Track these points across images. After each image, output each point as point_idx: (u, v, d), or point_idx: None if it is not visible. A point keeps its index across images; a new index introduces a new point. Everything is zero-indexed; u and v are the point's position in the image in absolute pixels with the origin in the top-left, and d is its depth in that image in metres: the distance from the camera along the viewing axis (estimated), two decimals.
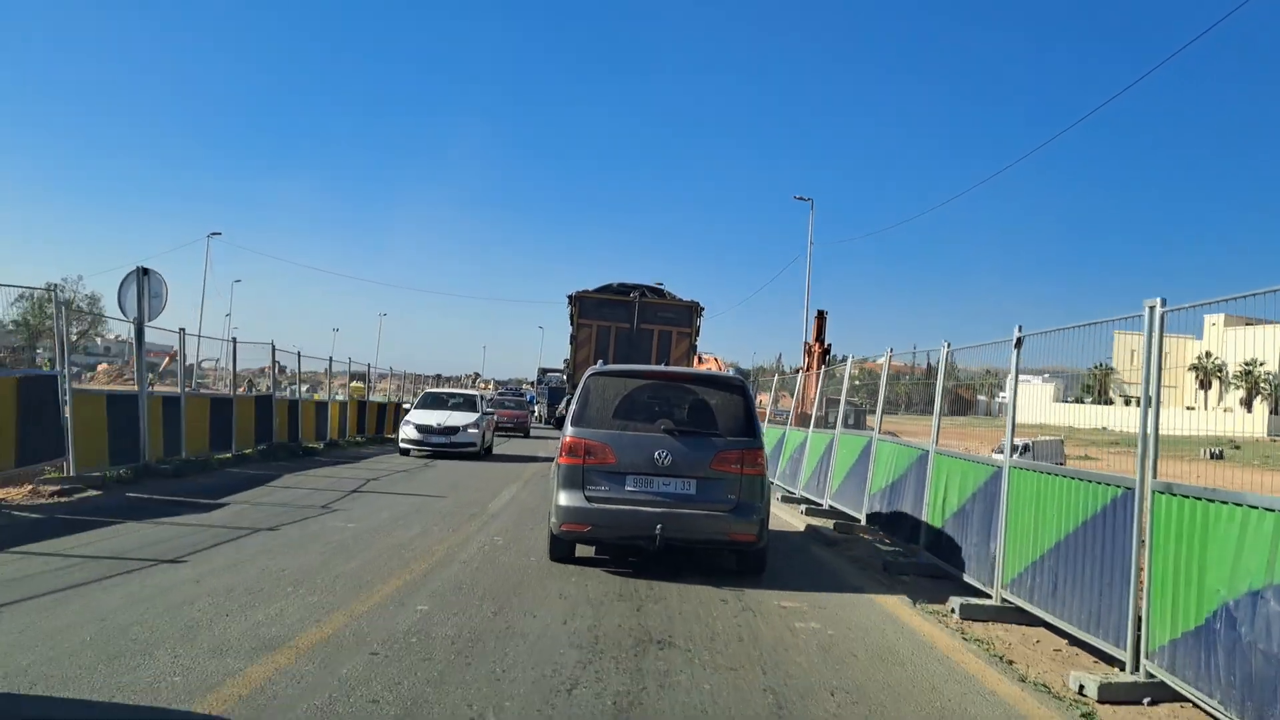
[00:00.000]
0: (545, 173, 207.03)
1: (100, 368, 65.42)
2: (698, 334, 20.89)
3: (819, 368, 21.64)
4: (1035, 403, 24.65)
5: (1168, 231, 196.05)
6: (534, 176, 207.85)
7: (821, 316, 27.89)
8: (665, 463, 7.94)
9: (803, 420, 17.13)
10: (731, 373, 9.36)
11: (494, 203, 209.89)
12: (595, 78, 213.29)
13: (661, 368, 14.39)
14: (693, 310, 20.78)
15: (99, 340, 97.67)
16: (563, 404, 22.16)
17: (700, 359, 38.09)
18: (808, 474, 15.24)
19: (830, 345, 27.53)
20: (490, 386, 52.83)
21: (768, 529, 8.32)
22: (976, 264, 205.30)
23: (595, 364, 9.64)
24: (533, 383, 54.63)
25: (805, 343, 28.77)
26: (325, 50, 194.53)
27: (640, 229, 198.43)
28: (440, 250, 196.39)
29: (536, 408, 45.22)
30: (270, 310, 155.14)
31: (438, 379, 48.54)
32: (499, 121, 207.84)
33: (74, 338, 50.30)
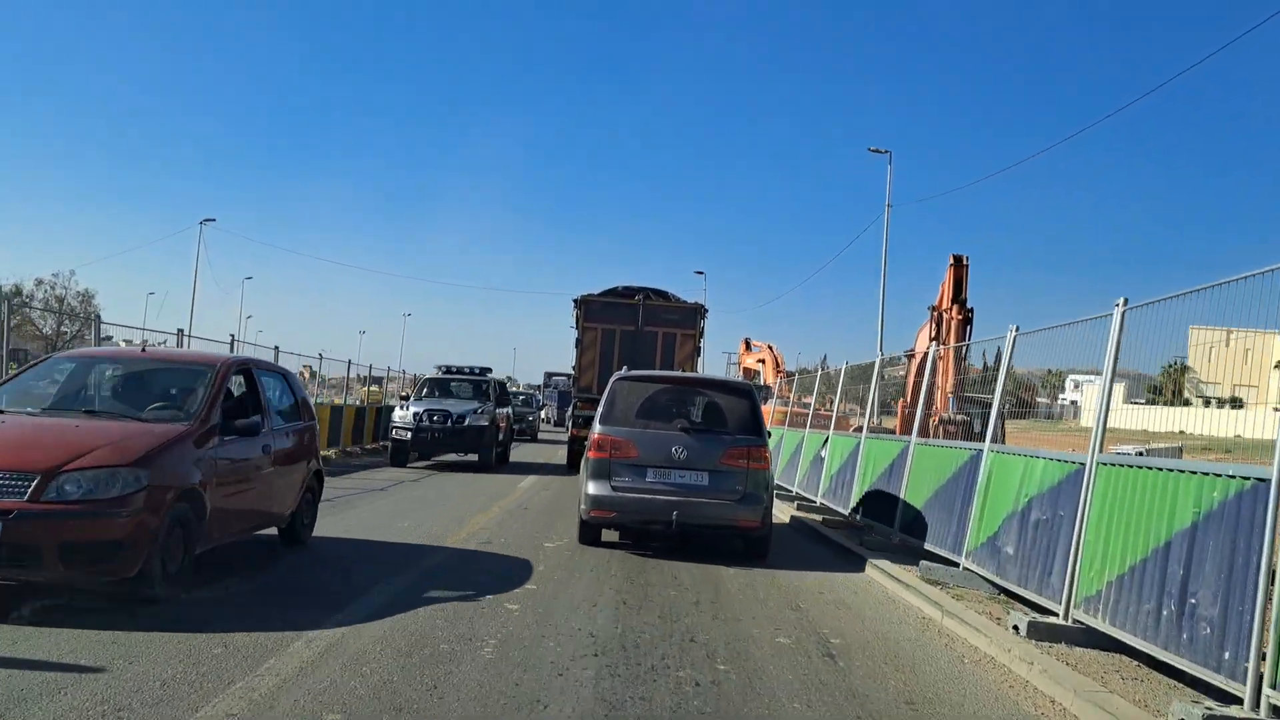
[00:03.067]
0: (576, 168, 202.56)
1: None
2: (702, 335, 20.18)
3: (955, 340, 15.17)
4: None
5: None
6: (565, 172, 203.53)
7: (960, 265, 18.70)
8: (681, 457, 8.93)
9: (924, 426, 11.09)
10: (754, 373, 8.64)
11: (527, 198, 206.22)
12: (632, 60, 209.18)
13: (680, 373, 15.28)
14: (697, 312, 20.25)
15: (122, 344, 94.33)
16: (570, 409, 21.73)
17: (749, 346, 36.13)
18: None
19: (973, 311, 18.71)
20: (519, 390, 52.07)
21: (771, 517, 9.46)
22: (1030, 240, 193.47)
23: (599, 367, 10.52)
24: (539, 385, 55.88)
25: (930, 308, 19.72)
26: (348, 49, 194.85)
27: (670, 225, 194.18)
28: (470, 247, 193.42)
29: (544, 410, 46.22)
30: (296, 313, 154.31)
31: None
32: (534, 114, 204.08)
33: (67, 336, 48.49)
